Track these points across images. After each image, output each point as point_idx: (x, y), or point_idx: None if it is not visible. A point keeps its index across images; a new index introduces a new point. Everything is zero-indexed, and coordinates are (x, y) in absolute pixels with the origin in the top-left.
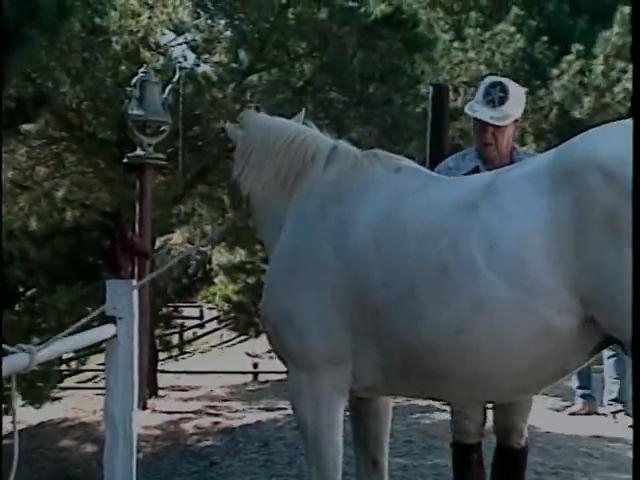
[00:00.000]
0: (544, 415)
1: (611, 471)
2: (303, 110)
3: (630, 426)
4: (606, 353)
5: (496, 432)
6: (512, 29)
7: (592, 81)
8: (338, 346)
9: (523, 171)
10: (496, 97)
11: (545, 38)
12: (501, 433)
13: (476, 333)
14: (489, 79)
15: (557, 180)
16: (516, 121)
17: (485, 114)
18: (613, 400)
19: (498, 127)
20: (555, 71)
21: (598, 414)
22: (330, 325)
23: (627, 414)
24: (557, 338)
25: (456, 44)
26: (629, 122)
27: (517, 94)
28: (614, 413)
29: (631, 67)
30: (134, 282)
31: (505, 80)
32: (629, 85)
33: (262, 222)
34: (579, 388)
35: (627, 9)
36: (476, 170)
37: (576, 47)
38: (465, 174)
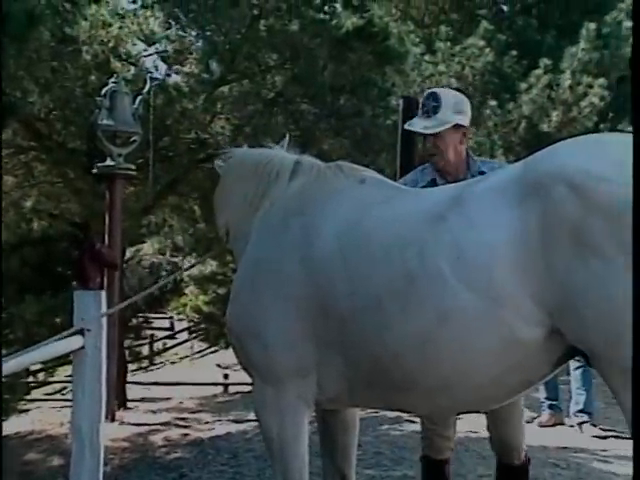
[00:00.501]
0: None
1: None
2: (287, 136)
3: (595, 437)
4: (573, 364)
5: (495, 450)
6: (482, 43)
7: (559, 95)
8: (303, 358)
9: (490, 184)
10: (430, 107)
11: (514, 52)
12: (500, 450)
13: (442, 344)
14: (426, 92)
15: (524, 193)
16: (459, 127)
17: (418, 125)
18: (579, 411)
19: (437, 135)
20: (524, 85)
21: (564, 425)
22: (295, 337)
23: (593, 425)
24: (523, 349)
25: (427, 57)
26: (595, 136)
27: (452, 101)
28: (580, 424)
29: (598, 82)
30: (102, 293)
31: (439, 90)
32: (595, 100)
33: (234, 240)
34: (546, 399)
35: (593, 25)
36: (433, 182)
37: (544, 62)
38: (423, 187)
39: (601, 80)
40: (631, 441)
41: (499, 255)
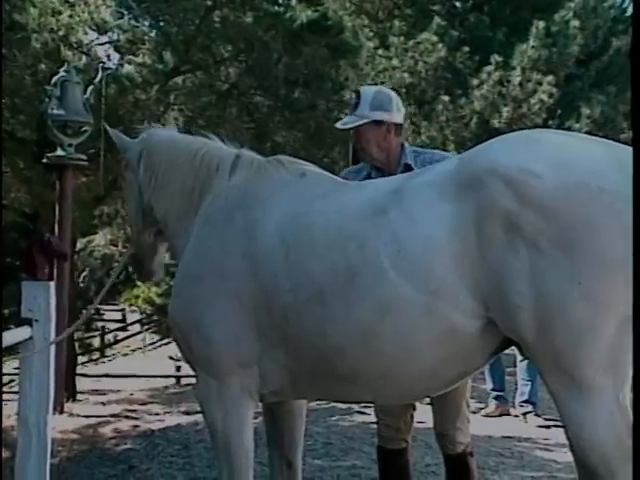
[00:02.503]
0: None
1: (520, 469)
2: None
3: (539, 426)
4: (519, 356)
5: (437, 440)
6: (435, 38)
7: (510, 91)
8: (246, 351)
9: (428, 178)
10: (352, 104)
11: (466, 48)
12: (437, 440)
13: (383, 336)
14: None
15: (461, 188)
16: (381, 124)
17: (341, 122)
18: (524, 402)
19: (356, 131)
20: (475, 81)
21: (510, 415)
22: (237, 330)
23: (537, 415)
24: (461, 340)
25: (380, 51)
26: (528, 133)
27: (371, 97)
28: (525, 414)
29: (547, 80)
30: (51, 284)
31: (364, 87)
32: (545, 97)
33: (173, 240)
34: (493, 390)
35: (542, 24)
36: (369, 177)
37: (495, 58)
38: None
39: (550, 77)
40: None
41: (437, 248)
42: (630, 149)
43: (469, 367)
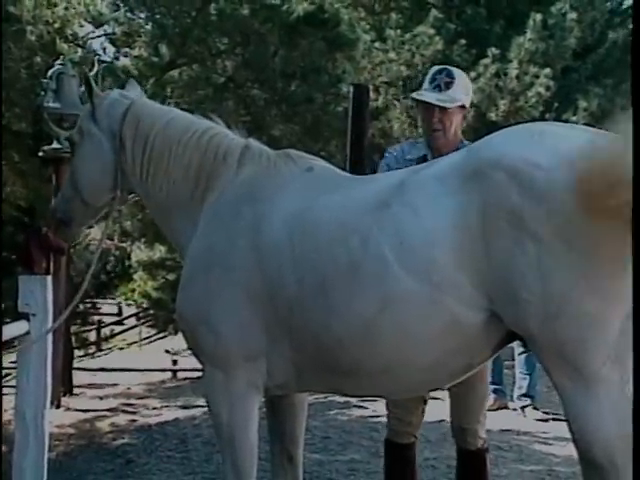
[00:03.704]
0: None
1: (518, 463)
2: None
3: (538, 419)
4: (517, 350)
5: (453, 434)
6: (431, 31)
7: (507, 84)
8: (253, 344)
9: (433, 171)
10: (442, 82)
11: (463, 41)
12: (455, 434)
13: (385, 328)
14: (435, 67)
15: (465, 180)
16: (463, 108)
17: (429, 97)
18: (522, 395)
19: (445, 111)
20: (472, 74)
21: (508, 409)
22: (244, 323)
23: (535, 408)
24: (464, 332)
25: (377, 44)
26: (530, 125)
27: (463, 81)
28: (523, 407)
29: (544, 72)
30: (48, 278)
31: (452, 68)
32: (542, 90)
33: (172, 223)
34: (491, 384)
35: (539, 16)
36: (424, 159)
37: (492, 51)
38: (411, 160)
39: (547, 70)
40: None
41: (441, 241)
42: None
43: (474, 360)
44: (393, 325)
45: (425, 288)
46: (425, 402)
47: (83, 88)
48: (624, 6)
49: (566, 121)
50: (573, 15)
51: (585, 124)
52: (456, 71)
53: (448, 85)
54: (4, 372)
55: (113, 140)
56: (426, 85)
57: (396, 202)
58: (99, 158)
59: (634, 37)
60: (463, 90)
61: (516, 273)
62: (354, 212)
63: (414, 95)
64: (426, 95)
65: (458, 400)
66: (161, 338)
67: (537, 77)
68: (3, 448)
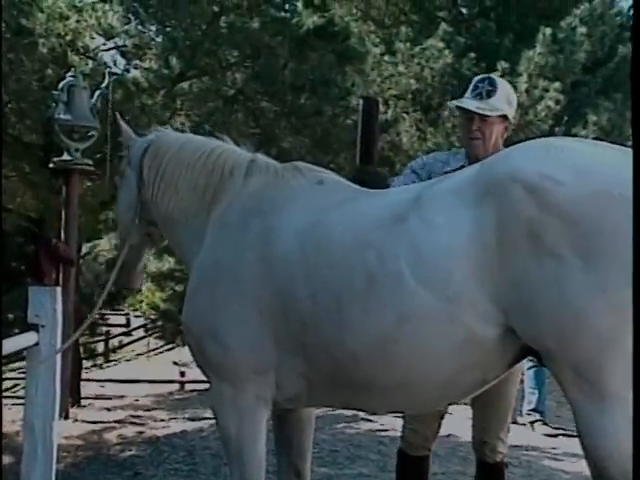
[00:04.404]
0: (467, 425)
1: (527, 478)
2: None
3: (546, 435)
4: (526, 364)
5: (473, 446)
6: (441, 45)
7: (517, 98)
8: (262, 358)
9: (448, 185)
10: (484, 90)
11: (472, 55)
12: (475, 447)
13: (401, 343)
14: (479, 76)
15: (481, 195)
16: (505, 119)
17: (470, 104)
18: (531, 410)
19: (485, 120)
20: None
21: (517, 424)
22: (254, 337)
23: (544, 423)
24: (479, 348)
25: (387, 57)
26: (547, 140)
27: (506, 91)
28: (532, 423)
29: (553, 86)
30: (58, 289)
31: (495, 77)
32: (551, 103)
33: (180, 238)
34: None
35: (549, 30)
36: (461, 168)
37: (502, 64)
38: (450, 171)
39: (556, 84)
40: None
41: (457, 255)
42: None
43: (488, 375)
44: (409, 341)
45: (442, 303)
46: (442, 417)
47: (94, 100)
48: None
49: (575, 135)
50: (583, 29)
51: (595, 138)
52: (499, 80)
53: (490, 93)
54: (11, 382)
55: (139, 175)
56: (468, 93)
57: (412, 216)
58: (128, 194)
59: (634, 37)
60: (505, 99)
61: (532, 288)
62: (369, 226)
63: (455, 102)
64: (466, 102)
65: (479, 414)
66: (169, 350)
67: (547, 91)
68: (11, 459)
